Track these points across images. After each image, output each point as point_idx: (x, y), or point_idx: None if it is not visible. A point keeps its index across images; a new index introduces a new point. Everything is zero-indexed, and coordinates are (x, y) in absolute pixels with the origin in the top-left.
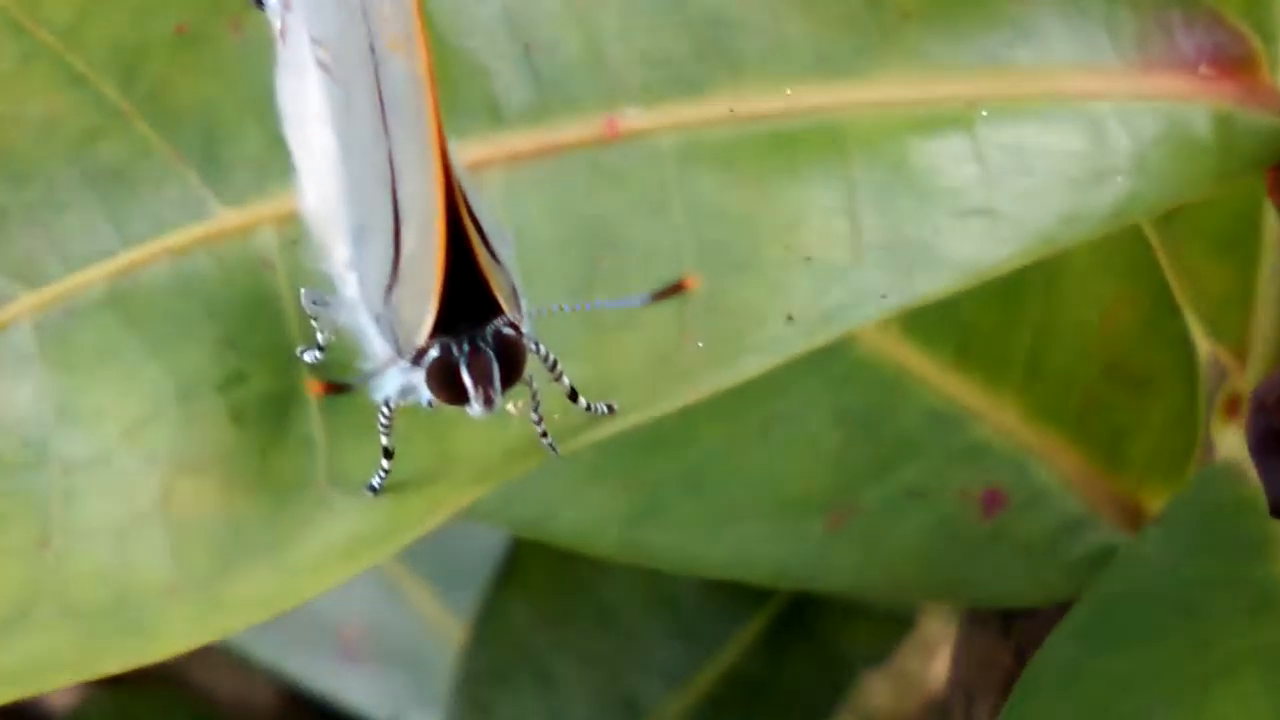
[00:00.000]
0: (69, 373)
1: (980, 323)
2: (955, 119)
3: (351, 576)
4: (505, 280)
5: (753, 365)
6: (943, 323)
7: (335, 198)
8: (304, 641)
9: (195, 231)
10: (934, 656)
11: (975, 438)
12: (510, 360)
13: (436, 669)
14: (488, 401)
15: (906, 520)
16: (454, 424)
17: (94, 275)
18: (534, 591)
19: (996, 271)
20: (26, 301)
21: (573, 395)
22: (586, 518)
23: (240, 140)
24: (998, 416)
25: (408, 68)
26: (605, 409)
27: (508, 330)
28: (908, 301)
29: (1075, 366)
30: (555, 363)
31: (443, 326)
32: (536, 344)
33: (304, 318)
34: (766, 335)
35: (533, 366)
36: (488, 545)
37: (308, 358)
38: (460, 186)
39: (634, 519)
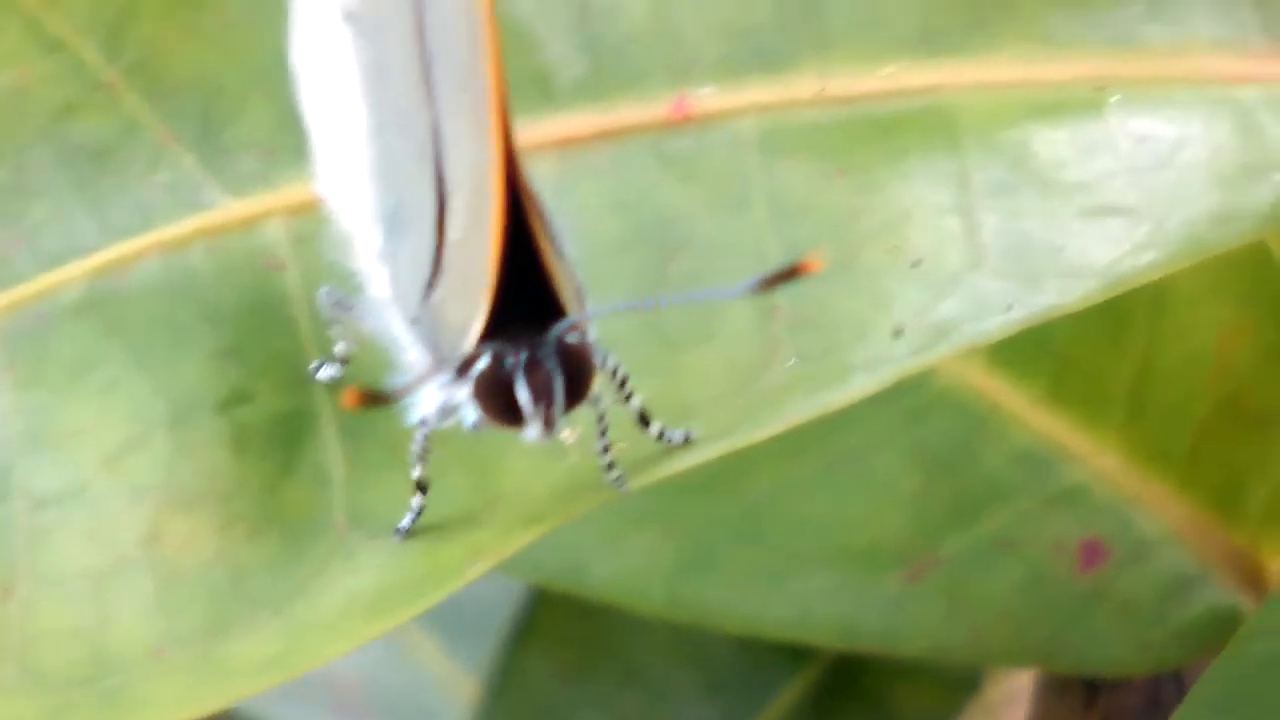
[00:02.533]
0: (39, 388)
1: (1077, 352)
2: (1082, 104)
3: (375, 637)
4: (569, 277)
5: (857, 386)
6: (1035, 352)
7: (363, 177)
8: (294, 693)
9: (191, 224)
10: (1003, 718)
11: (1071, 482)
12: (576, 374)
13: None
14: (547, 424)
15: (994, 574)
16: (499, 454)
17: (71, 274)
18: (555, 644)
19: (1139, 280)
20: None
21: (644, 420)
22: (626, 570)
23: (246, 118)
24: (1097, 459)
25: (461, 10)
26: (681, 437)
27: (573, 338)
28: (1036, 314)
29: (1185, 403)
30: (625, 380)
31: (495, 331)
32: (604, 356)
33: (319, 325)
34: (871, 352)
35: (599, 384)
36: (496, 592)
37: (323, 374)
38: (520, 160)
39: (681, 571)
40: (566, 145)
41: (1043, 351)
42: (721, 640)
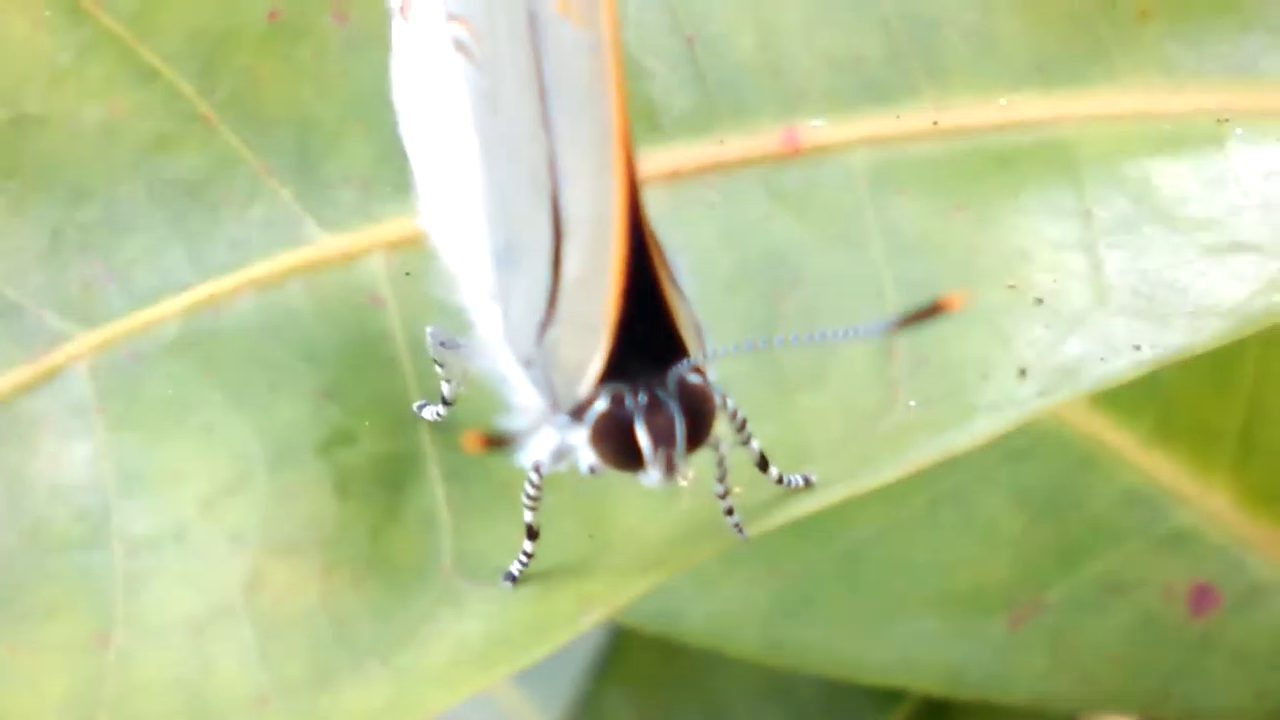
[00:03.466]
0: (134, 429)
1: (1185, 391)
2: (1204, 138)
3: (484, 687)
4: (689, 315)
5: (982, 429)
6: (1140, 391)
7: (471, 212)
8: None
9: (288, 260)
10: None
11: (1180, 524)
12: (698, 416)
13: None
14: (669, 467)
15: (1101, 620)
16: (610, 499)
17: (165, 312)
18: (635, 684)
19: (1270, 320)
20: (83, 342)
21: (762, 464)
22: (722, 612)
23: (343, 152)
24: (1206, 500)
25: (585, 37)
26: (801, 481)
27: (694, 378)
28: (1166, 355)
29: None
30: (744, 422)
31: (613, 371)
32: (724, 397)
33: (422, 364)
34: (995, 393)
35: (719, 426)
36: None
37: (428, 414)
38: (641, 193)
39: (779, 614)
40: (674, 178)
41: (1149, 390)
42: (808, 680)
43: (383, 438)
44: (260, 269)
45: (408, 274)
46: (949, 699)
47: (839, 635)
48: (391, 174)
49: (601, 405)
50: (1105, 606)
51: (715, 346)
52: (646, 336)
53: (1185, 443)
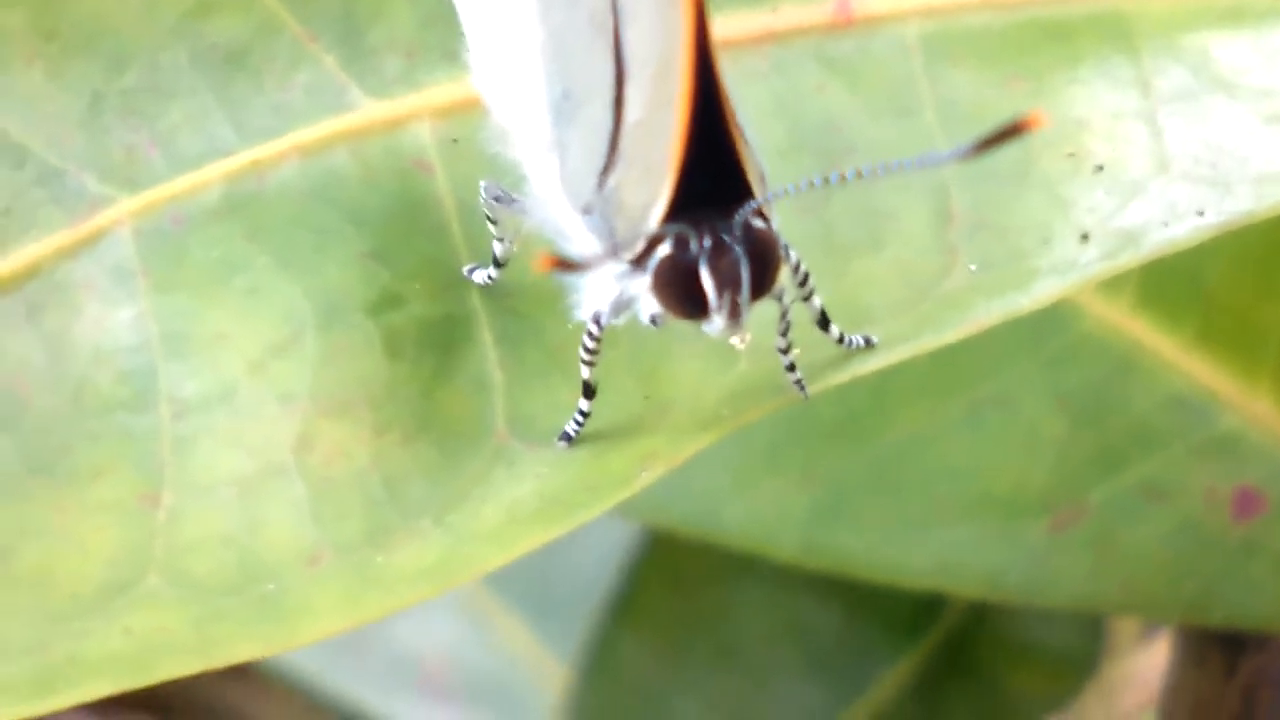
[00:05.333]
0: (179, 292)
1: (1228, 294)
2: (1263, 11)
3: (541, 544)
4: (754, 159)
5: (1045, 290)
6: (1184, 293)
7: (528, 62)
8: (381, 671)
9: (332, 126)
10: (1124, 700)
11: (1224, 429)
12: (762, 260)
13: (530, 708)
14: (733, 313)
15: (1143, 524)
16: (667, 359)
17: (208, 176)
18: (650, 626)
19: None
20: (125, 206)
21: (823, 321)
22: (760, 515)
23: (387, 19)
24: (1250, 404)
25: None
26: (862, 342)
27: (758, 223)
28: (1230, 220)
29: None
30: (807, 275)
31: (676, 215)
32: (787, 246)
33: (471, 228)
34: (1057, 257)
35: (783, 276)
36: (586, 574)
37: (478, 278)
38: (709, 28)
39: (817, 518)
40: (727, 48)
41: (1192, 294)
42: (823, 621)
43: (432, 301)
44: (304, 135)
45: (455, 141)
46: (968, 637)
47: (878, 539)
48: (437, 41)
49: (665, 249)
50: (1147, 511)
51: (778, 188)
52: (710, 179)
53: (1229, 347)
